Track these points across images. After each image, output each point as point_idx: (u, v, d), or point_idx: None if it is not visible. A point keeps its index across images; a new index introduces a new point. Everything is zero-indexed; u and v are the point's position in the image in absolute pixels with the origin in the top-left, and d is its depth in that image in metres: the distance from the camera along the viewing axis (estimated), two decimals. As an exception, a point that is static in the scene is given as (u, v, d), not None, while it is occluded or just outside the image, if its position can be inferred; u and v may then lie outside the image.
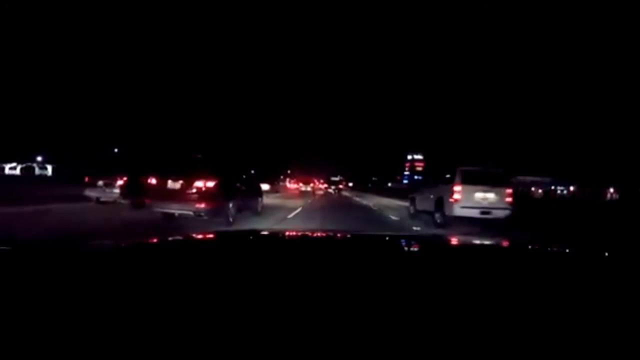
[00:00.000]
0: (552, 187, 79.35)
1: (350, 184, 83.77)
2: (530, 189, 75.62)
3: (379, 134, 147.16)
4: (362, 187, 74.16)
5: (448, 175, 10.73)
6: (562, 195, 69.92)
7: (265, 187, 32.52)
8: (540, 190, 77.98)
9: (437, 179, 11.73)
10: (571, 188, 78.64)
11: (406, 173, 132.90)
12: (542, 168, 79.47)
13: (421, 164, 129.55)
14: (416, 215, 12.62)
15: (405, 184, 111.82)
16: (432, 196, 11.14)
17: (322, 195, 35.10)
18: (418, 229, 10.24)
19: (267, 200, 18.31)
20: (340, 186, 49.55)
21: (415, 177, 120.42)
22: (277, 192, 34.73)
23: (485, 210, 9.77)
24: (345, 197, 37.15)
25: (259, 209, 12.23)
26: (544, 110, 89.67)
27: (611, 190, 66.88)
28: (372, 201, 26.22)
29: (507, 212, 9.96)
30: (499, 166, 11.45)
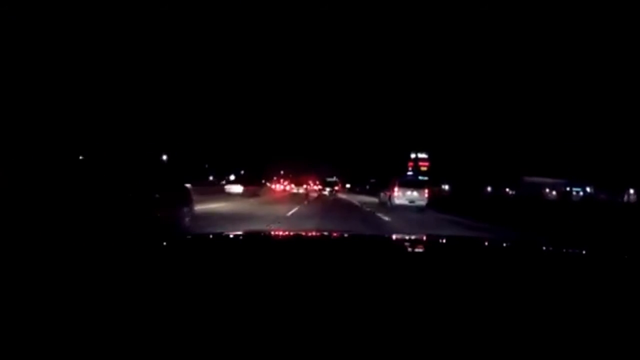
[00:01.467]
0: (567, 189, 76.17)
1: (348, 185, 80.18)
2: (541, 190, 72.26)
3: (380, 131, 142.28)
4: (360, 188, 70.75)
5: (392, 182, 19.17)
6: (578, 198, 66.21)
7: (236, 189, 27.02)
8: (554, 192, 74.74)
9: (387, 184, 20.32)
10: (588, 189, 75.51)
11: (409, 173, 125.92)
12: (554, 169, 76.12)
13: (426, 164, 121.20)
14: (381, 205, 20.98)
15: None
16: (386, 194, 19.93)
17: (315, 199, 29.42)
18: (381, 215, 15.47)
19: (234, 206, 15.03)
20: (336, 188, 43.73)
21: (420, 177, 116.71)
22: (255, 195, 29.05)
23: (411, 201, 18.00)
24: (342, 200, 32.81)
25: (187, 223, 8.49)
26: (555, 108, 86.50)
27: (631, 192, 63.91)
28: (368, 201, 29.50)
29: (424, 202, 18.32)
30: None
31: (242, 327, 0.63)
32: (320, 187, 44.28)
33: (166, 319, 0.66)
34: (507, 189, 79.64)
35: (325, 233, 2.20)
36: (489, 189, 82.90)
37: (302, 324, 0.66)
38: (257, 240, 1.71)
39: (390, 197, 19.00)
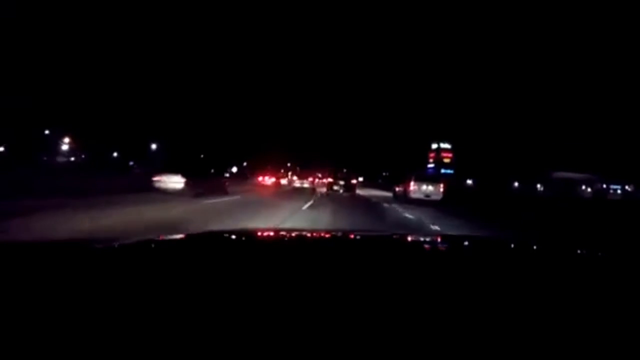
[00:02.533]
0: (604, 186, 70.40)
1: (361, 179, 76.00)
2: (576, 187, 66.66)
3: (396, 120, 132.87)
4: (371, 182, 66.37)
5: (408, 176, 20.61)
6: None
7: (173, 183, 15.54)
8: (588, 189, 69.18)
9: (403, 179, 21.54)
10: (627, 187, 69.52)
11: (430, 165, 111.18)
12: (584, 163, 70.33)
13: (449, 154, 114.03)
14: (395, 198, 21.88)
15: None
16: (402, 188, 21.16)
17: (322, 198, 20.41)
18: (395, 205, 17.04)
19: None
20: (354, 181, 29.34)
21: (443, 170, 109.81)
22: (221, 192, 17.45)
23: (427, 195, 19.13)
24: (356, 198, 22.73)
25: None
26: (586, 100, 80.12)
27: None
28: (381, 195, 26.73)
29: (439, 196, 19.36)
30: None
31: (241, 329, 0.63)
32: (330, 180, 29.58)
33: (162, 319, 0.66)
34: (539, 185, 74.04)
35: (330, 232, 2.22)
36: (515, 184, 77.55)
37: (307, 325, 0.66)
38: (252, 241, 1.68)
39: (406, 192, 19.70)
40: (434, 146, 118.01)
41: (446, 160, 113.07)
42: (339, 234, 2.15)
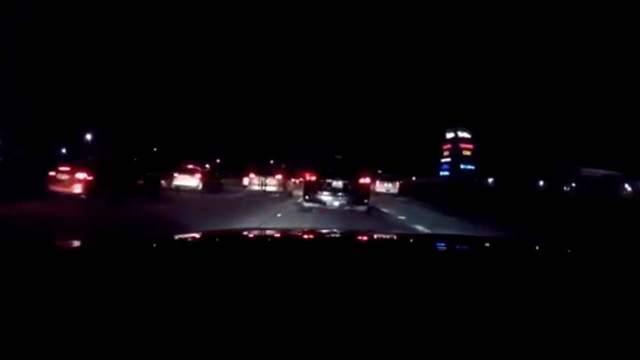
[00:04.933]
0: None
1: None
2: (616, 186, 58.21)
3: (396, 102, 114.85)
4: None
5: (375, 177, 28.96)
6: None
7: None
8: (629, 189, 60.70)
9: (374, 178, 28.95)
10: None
11: (445, 160, 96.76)
12: (615, 159, 61.90)
13: (469, 146, 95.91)
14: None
15: (444, 177, 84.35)
16: (372, 185, 25.98)
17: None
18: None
19: None
20: (364, 180, 12.39)
21: (462, 166, 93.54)
22: None
23: (387, 190, 29.24)
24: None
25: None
26: (617, 89, 71.06)
27: None
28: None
29: (396, 190, 29.39)
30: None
31: (238, 329, 0.64)
32: (312, 177, 12.17)
33: (157, 320, 0.67)
34: (573, 184, 65.62)
35: (323, 232, 2.23)
36: (541, 183, 69.39)
37: (303, 325, 0.67)
38: (244, 240, 1.73)
39: (373, 187, 26.71)
40: (450, 135, 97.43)
41: (466, 153, 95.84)
42: (337, 233, 2.18)
